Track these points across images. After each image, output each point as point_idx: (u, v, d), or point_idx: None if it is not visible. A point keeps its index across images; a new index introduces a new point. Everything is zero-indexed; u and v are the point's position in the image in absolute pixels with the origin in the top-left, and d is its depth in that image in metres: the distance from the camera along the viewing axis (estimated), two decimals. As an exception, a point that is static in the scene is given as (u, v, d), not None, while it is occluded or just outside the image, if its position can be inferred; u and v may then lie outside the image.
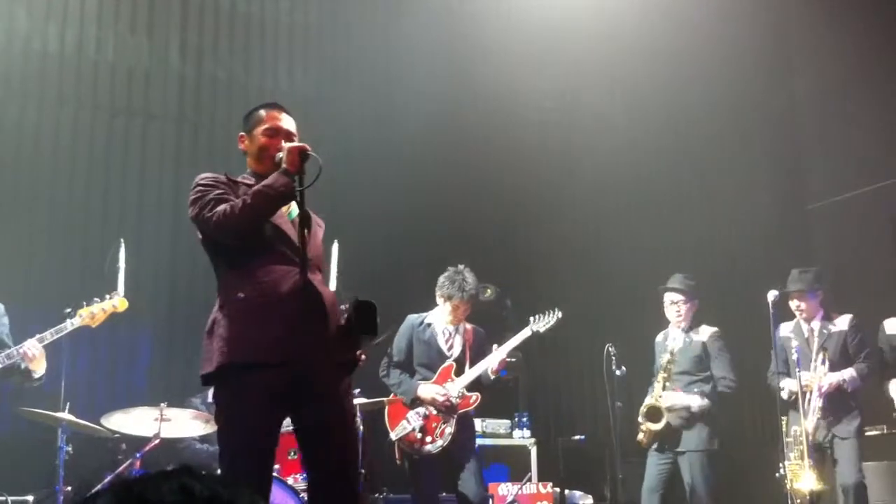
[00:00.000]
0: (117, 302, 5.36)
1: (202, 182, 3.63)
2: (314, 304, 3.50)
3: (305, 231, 3.53)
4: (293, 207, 3.63)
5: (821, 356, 6.29)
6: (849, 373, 6.32)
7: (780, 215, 9.55)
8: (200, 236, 3.65)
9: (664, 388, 6.48)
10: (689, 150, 9.09)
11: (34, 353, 5.17)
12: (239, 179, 3.68)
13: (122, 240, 5.75)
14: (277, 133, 3.72)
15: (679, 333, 6.65)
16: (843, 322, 6.52)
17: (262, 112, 3.81)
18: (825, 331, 6.48)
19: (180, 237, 6.84)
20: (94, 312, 5.27)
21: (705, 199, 9.20)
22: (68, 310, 5.27)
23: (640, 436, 6.53)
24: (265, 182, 3.50)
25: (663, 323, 6.81)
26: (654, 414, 6.44)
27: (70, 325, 5.23)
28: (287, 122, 3.80)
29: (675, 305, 6.66)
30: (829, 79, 9.26)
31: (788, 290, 6.56)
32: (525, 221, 8.55)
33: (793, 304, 6.55)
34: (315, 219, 3.78)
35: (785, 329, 6.62)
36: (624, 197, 8.78)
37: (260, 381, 3.34)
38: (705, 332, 6.62)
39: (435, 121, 8.10)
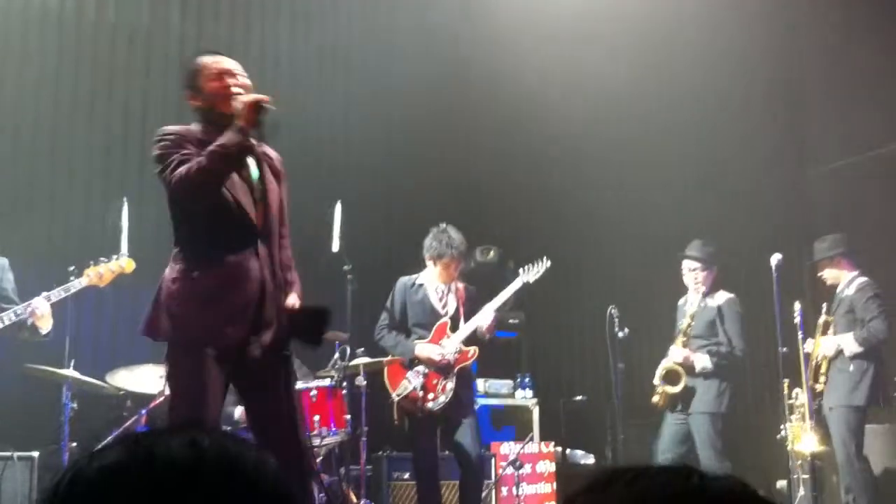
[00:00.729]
0: (124, 263, 5.37)
1: (167, 137, 3.57)
2: (263, 294, 3.62)
3: (265, 206, 3.64)
4: (254, 168, 3.65)
5: (822, 319, 6.30)
6: (847, 338, 6.33)
7: (783, 180, 9.51)
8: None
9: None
10: (693, 112, 9.03)
11: (42, 311, 5.20)
12: (202, 136, 3.59)
13: (124, 199, 5.75)
14: (224, 73, 3.69)
15: (697, 298, 6.66)
16: (851, 287, 6.52)
17: (200, 62, 3.75)
18: (841, 294, 6.48)
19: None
20: (101, 273, 5.28)
21: (709, 163, 9.16)
22: (72, 268, 5.27)
23: (656, 398, 6.54)
24: (219, 141, 3.46)
25: (671, 286, 6.79)
26: (673, 376, 6.45)
27: (77, 284, 5.24)
28: (228, 62, 3.76)
29: (693, 273, 6.66)
30: (833, 44, 9.17)
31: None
32: (529, 184, 8.52)
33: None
34: (274, 164, 3.80)
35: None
36: (629, 160, 8.74)
37: (208, 352, 3.53)
38: (721, 297, 6.63)
39: (435, 80, 8.05)
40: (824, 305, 6.43)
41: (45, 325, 5.26)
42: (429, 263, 6.03)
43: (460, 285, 6.13)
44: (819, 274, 6.65)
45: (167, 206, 3.70)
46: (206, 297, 3.55)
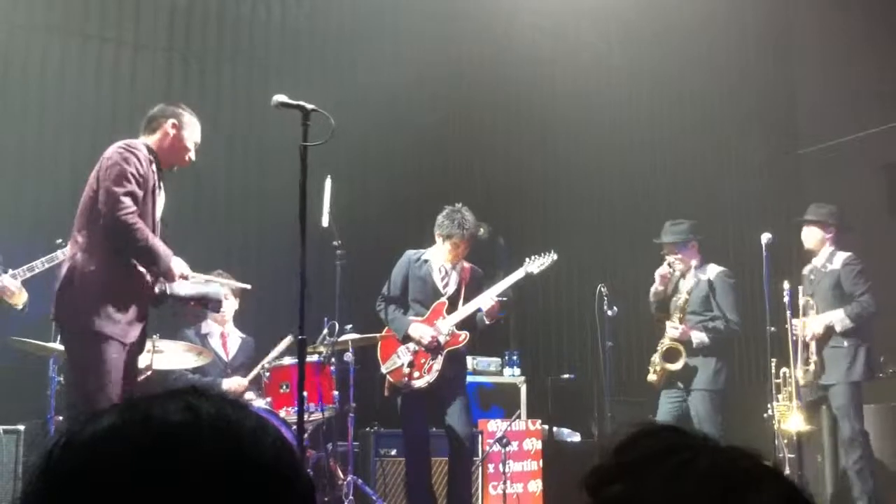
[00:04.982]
0: None
1: (132, 171, 4.30)
2: (152, 291, 4.46)
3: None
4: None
5: (803, 300, 6.30)
6: (837, 314, 6.34)
7: (773, 160, 9.52)
8: (97, 192, 4.28)
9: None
10: (684, 93, 9.02)
11: (12, 290, 5.18)
12: (149, 162, 4.42)
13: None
14: (195, 144, 4.66)
15: (691, 273, 6.64)
16: (838, 261, 6.53)
17: (193, 119, 4.66)
18: (823, 269, 6.48)
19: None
20: None
21: (699, 143, 9.16)
22: (59, 240, 5.22)
23: (652, 376, 6.52)
24: (165, 259, 4.35)
25: (661, 265, 6.77)
26: (673, 354, 6.44)
27: (62, 254, 5.19)
28: (199, 134, 4.70)
29: (674, 259, 6.63)
30: (826, 24, 9.16)
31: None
32: (520, 160, 8.50)
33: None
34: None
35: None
36: (619, 139, 8.72)
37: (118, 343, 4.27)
38: (712, 271, 6.61)
39: (431, 57, 8.01)
40: (800, 288, 6.40)
41: (19, 301, 5.26)
42: (438, 240, 6.00)
43: (467, 265, 6.10)
44: (803, 233, 6.60)
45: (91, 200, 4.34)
46: (116, 294, 4.26)
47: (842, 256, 6.52)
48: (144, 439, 0.88)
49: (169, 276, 4.45)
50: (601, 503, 0.95)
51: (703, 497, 0.90)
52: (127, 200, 4.24)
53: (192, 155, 4.68)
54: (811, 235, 6.61)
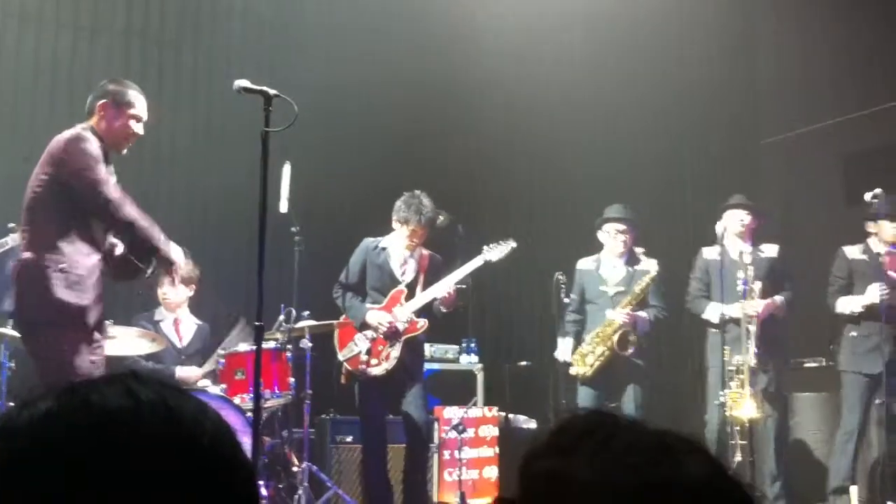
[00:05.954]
0: None
1: (93, 154, 4.30)
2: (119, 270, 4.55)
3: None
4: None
5: (758, 284, 6.38)
6: (780, 298, 6.45)
7: (734, 148, 9.61)
8: (46, 183, 4.30)
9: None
10: (646, 86, 9.07)
11: None
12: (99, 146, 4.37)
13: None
14: (139, 120, 4.50)
15: (619, 263, 6.70)
16: (772, 250, 6.65)
17: (134, 95, 4.50)
18: (756, 256, 6.58)
19: (129, 156, 6.69)
20: None
21: (660, 131, 9.22)
22: (12, 225, 5.15)
23: (585, 369, 6.54)
24: (157, 236, 4.40)
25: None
26: (625, 341, 6.48)
27: (11, 240, 5.12)
28: (145, 108, 4.54)
29: (621, 235, 6.69)
30: (786, 17, 9.26)
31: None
32: (478, 149, 8.50)
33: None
34: None
35: (709, 253, 6.71)
36: (577, 128, 8.75)
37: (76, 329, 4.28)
38: (650, 265, 6.67)
39: (394, 46, 7.98)
40: (742, 273, 6.43)
41: None
42: (395, 226, 5.98)
43: (425, 253, 6.10)
44: (742, 216, 6.67)
45: (45, 187, 4.33)
46: (80, 283, 4.27)
47: (775, 247, 6.67)
48: (82, 423, 0.88)
49: (160, 256, 4.45)
50: (532, 478, 0.98)
51: (626, 468, 0.93)
52: (103, 186, 4.28)
53: (136, 129, 4.52)
54: (745, 221, 6.66)
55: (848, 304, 6.45)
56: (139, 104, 4.53)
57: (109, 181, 4.34)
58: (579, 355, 6.56)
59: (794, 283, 6.62)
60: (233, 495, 0.91)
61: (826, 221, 7.94)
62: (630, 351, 6.47)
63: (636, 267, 6.70)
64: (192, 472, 0.88)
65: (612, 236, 6.72)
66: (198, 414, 0.92)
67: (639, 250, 6.73)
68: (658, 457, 0.94)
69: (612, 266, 6.73)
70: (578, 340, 6.68)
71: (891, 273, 6.35)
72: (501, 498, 1.05)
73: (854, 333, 6.43)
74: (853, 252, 6.57)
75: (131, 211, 4.34)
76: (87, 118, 4.50)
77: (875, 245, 6.53)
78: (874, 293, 6.26)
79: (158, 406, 0.90)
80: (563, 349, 6.72)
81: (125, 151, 4.61)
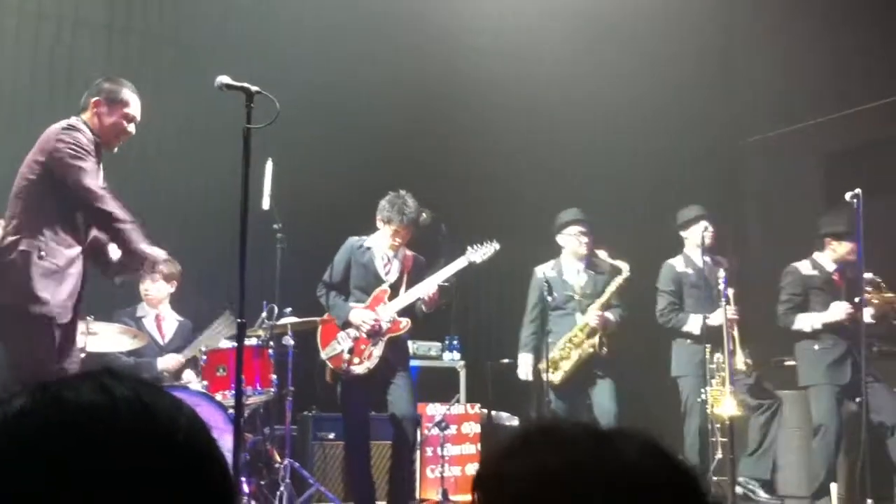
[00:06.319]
0: None
1: (83, 146, 4.32)
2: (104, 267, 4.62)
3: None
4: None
5: (731, 290, 6.43)
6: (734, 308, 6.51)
7: (715, 148, 9.65)
8: (39, 174, 4.32)
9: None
10: (628, 86, 9.08)
11: None
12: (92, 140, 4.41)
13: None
14: (132, 120, 4.55)
15: (581, 267, 6.73)
16: (727, 261, 6.84)
17: (129, 94, 4.54)
18: (721, 264, 6.68)
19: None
20: None
21: (642, 132, 9.24)
22: None
23: (562, 374, 6.54)
24: (145, 249, 4.37)
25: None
26: (601, 342, 6.50)
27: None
28: (139, 108, 4.59)
29: (583, 237, 6.71)
30: (768, 19, 9.29)
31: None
32: (462, 148, 8.50)
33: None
34: None
35: (678, 265, 6.79)
36: (560, 128, 8.77)
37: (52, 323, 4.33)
38: (622, 266, 6.66)
39: (378, 44, 7.97)
40: (719, 279, 6.48)
41: None
42: (379, 225, 5.99)
43: (409, 253, 6.10)
44: (708, 229, 6.72)
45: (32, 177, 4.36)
46: (58, 277, 4.31)
47: (724, 258, 6.87)
48: (56, 420, 0.87)
49: (136, 258, 4.43)
50: (481, 485, 1.04)
51: (557, 454, 0.98)
52: (85, 176, 4.30)
53: (128, 129, 4.58)
54: (708, 229, 6.73)
55: (808, 322, 6.54)
56: (133, 103, 4.57)
57: (95, 173, 4.36)
58: (551, 361, 6.54)
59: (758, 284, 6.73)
60: (209, 490, 0.92)
61: (806, 221, 7.99)
62: (604, 351, 6.50)
63: (598, 270, 6.73)
64: (168, 465, 0.89)
65: (575, 238, 6.73)
66: (173, 410, 0.92)
67: (601, 253, 6.71)
68: (592, 444, 0.99)
69: (575, 271, 6.75)
70: (538, 354, 6.62)
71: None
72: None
73: (817, 347, 6.54)
74: (805, 268, 6.68)
75: (112, 206, 4.34)
76: (81, 113, 4.52)
77: (823, 260, 6.64)
78: (839, 312, 6.37)
79: (133, 402, 0.90)
80: (525, 366, 6.68)
81: (116, 150, 4.64)
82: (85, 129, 4.42)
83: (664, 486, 0.98)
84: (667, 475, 1.00)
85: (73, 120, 4.45)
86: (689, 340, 6.61)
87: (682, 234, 6.85)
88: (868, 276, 6.31)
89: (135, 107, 4.58)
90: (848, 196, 6.13)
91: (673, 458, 1.02)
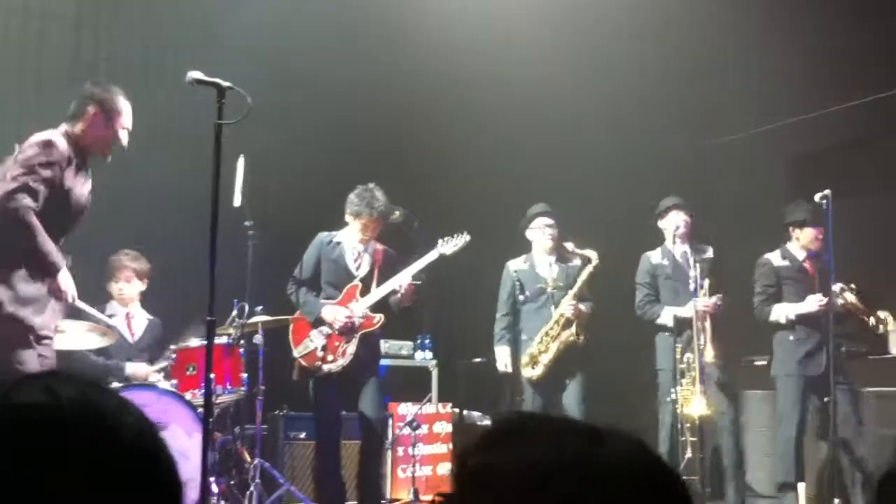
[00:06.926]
0: None
1: (45, 158, 4.26)
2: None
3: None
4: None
5: (706, 281, 6.46)
6: (717, 296, 6.53)
7: (685, 148, 9.69)
8: None
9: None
10: (602, 86, 9.10)
11: None
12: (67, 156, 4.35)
13: (17, 145, 5.52)
14: (125, 130, 4.52)
15: (552, 260, 6.76)
16: (709, 250, 6.78)
17: (122, 103, 4.50)
18: (699, 255, 6.68)
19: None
20: None
21: (613, 131, 9.27)
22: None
23: (540, 369, 6.57)
24: (54, 259, 4.29)
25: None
26: (578, 331, 6.53)
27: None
28: (130, 118, 4.57)
29: (549, 229, 6.76)
30: (740, 16, 9.34)
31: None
32: (434, 143, 8.50)
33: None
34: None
35: (655, 257, 6.81)
36: (534, 125, 8.78)
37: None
38: (591, 254, 6.68)
39: (348, 39, 7.94)
40: (693, 272, 6.51)
41: None
42: (348, 220, 5.96)
43: (380, 247, 6.07)
44: (684, 217, 6.76)
45: None
46: (37, 300, 4.36)
47: (708, 246, 6.81)
48: (3, 422, 0.87)
49: (53, 289, 4.39)
50: (460, 475, 1.05)
51: (543, 451, 0.98)
52: (21, 196, 4.20)
53: (121, 142, 4.54)
54: (686, 220, 6.76)
55: (783, 312, 6.57)
56: (126, 112, 4.54)
57: (34, 189, 4.25)
58: (529, 356, 6.55)
59: (730, 282, 6.73)
60: (157, 490, 0.91)
61: (778, 221, 8.05)
62: (581, 339, 6.52)
63: (569, 262, 6.75)
64: (116, 465, 0.89)
65: (542, 230, 6.78)
66: (119, 409, 0.92)
67: (569, 245, 6.74)
68: (577, 440, 0.99)
69: (546, 264, 6.78)
70: (515, 346, 6.66)
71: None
72: (439, 494, 1.07)
73: (791, 338, 6.56)
74: (776, 259, 6.72)
75: (35, 223, 4.24)
76: (70, 120, 4.45)
77: (793, 249, 6.69)
78: (813, 304, 6.41)
79: (80, 403, 0.90)
80: (503, 358, 6.69)
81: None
82: (60, 141, 4.36)
83: (655, 485, 0.99)
84: (656, 474, 1.00)
85: (49, 133, 4.39)
86: (667, 333, 6.62)
87: (659, 224, 6.86)
88: (838, 286, 6.36)
89: (128, 115, 4.56)
90: (817, 197, 6.19)
91: (661, 458, 1.03)
